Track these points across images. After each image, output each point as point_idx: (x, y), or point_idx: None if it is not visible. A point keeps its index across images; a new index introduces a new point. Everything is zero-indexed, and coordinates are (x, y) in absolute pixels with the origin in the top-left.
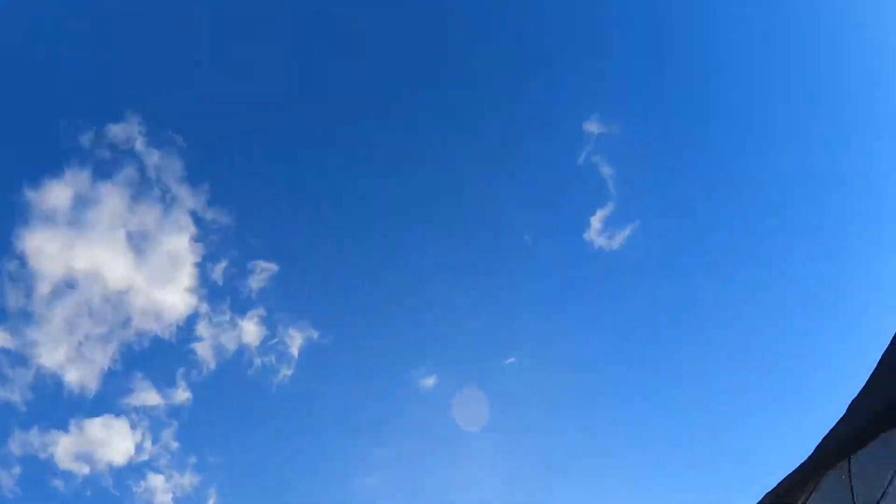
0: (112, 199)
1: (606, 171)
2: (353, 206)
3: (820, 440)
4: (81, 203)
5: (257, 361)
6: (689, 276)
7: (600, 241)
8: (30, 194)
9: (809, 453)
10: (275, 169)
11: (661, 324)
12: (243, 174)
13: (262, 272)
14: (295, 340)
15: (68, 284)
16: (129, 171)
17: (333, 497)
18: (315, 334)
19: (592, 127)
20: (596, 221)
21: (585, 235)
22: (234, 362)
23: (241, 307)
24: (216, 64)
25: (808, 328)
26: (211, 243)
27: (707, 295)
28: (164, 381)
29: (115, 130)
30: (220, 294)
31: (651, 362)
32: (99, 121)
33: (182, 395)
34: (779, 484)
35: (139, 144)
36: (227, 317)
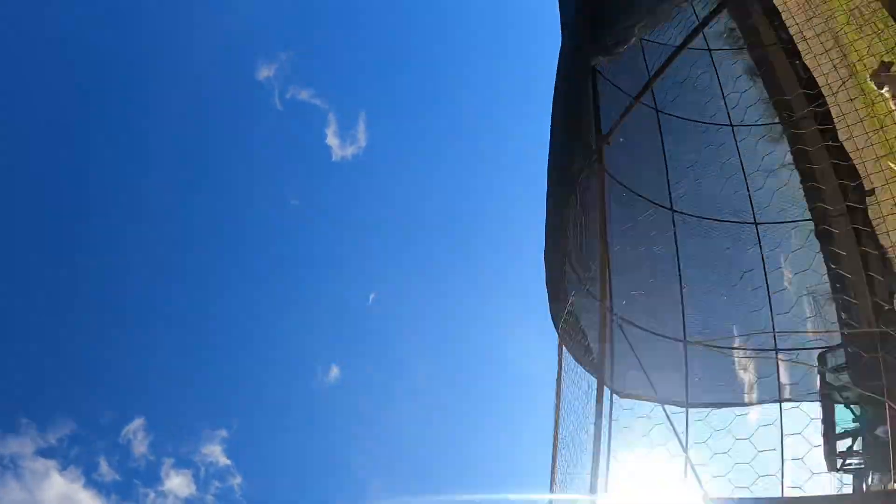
0: None
1: (305, 94)
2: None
3: None
4: None
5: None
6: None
7: (345, 151)
8: None
9: None
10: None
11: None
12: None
13: (135, 431)
14: (214, 452)
15: None
16: None
17: None
18: (223, 432)
19: (266, 72)
20: (331, 139)
21: (333, 157)
22: None
23: (151, 475)
24: None
25: None
26: (75, 458)
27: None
28: None
29: None
30: (125, 485)
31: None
32: None
33: None
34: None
35: None
36: (149, 494)
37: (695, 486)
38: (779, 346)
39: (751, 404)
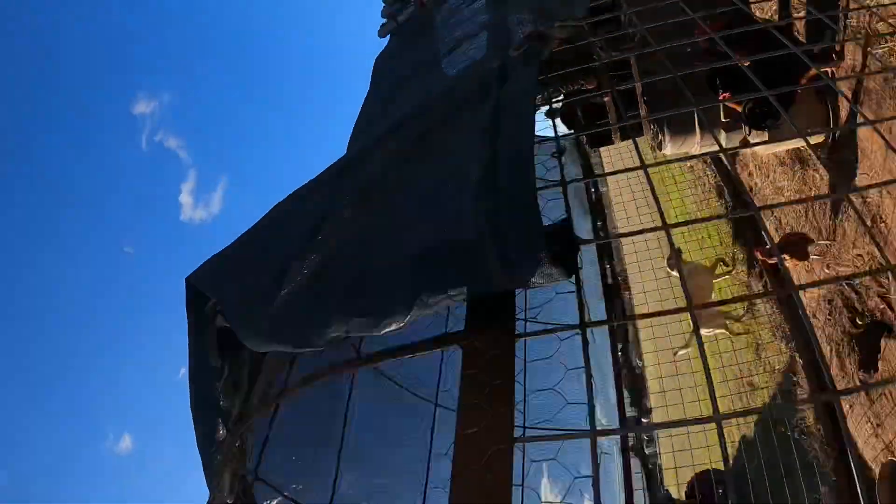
0: None
1: (174, 142)
2: None
3: None
4: None
5: None
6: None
7: (196, 214)
8: None
9: None
10: None
11: None
12: None
13: None
14: None
15: None
16: None
17: None
18: None
19: (143, 107)
20: (185, 196)
21: (182, 216)
22: None
23: None
24: None
25: None
26: None
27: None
28: None
29: None
30: None
31: None
32: None
33: None
34: None
35: None
36: None
37: None
38: None
39: None
